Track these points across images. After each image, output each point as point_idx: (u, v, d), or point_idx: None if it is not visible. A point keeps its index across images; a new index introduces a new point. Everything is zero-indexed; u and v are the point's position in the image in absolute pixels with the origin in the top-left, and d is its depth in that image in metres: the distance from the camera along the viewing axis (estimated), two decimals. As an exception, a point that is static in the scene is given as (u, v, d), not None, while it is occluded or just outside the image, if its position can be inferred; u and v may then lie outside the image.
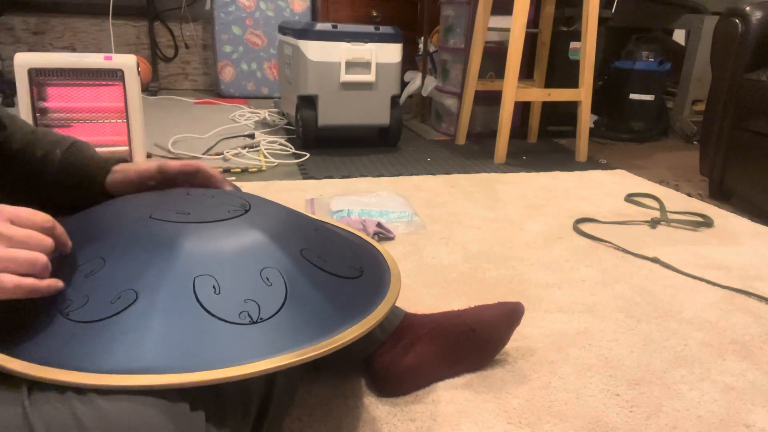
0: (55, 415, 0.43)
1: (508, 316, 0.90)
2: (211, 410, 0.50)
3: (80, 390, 0.44)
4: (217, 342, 0.49)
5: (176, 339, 0.48)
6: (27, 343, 0.48)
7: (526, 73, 2.67)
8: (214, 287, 0.53)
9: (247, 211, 0.63)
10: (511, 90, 2.18)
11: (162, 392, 0.45)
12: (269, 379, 0.61)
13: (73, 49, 3.51)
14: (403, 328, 0.86)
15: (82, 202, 0.69)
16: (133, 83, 1.70)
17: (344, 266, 0.64)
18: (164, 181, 0.72)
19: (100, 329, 0.48)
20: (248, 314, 0.52)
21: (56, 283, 0.49)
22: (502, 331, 0.91)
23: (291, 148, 2.25)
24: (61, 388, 0.44)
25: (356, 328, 0.55)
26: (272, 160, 2.09)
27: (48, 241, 0.49)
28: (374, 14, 3.33)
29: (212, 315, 0.51)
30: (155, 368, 0.46)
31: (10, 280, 0.45)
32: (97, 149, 0.75)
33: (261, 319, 0.52)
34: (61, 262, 0.54)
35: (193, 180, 0.73)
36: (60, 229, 0.52)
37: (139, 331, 0.48)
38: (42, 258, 0.48)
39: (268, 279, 0.55)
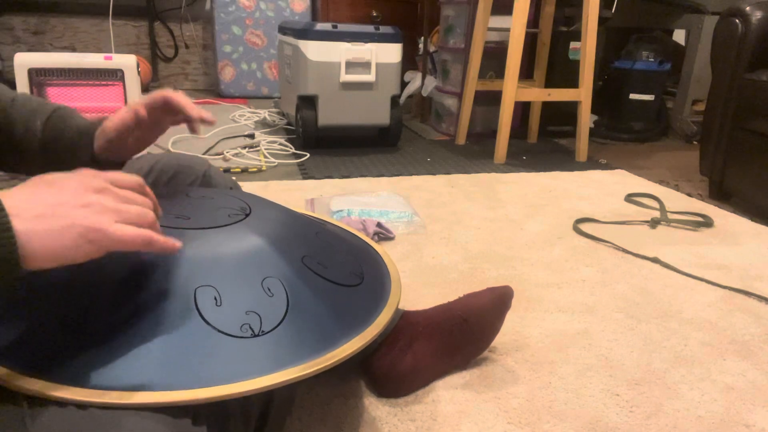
0: (56, 430, 0.42)
1: (497, 301, 0.90)
2: (213, 424, 0.49)
3: (81, 405, 0.43)
4: (218, 356, 0.48)
5: (177, 353, 0.48)
6: (26, 355, 0.47)
7: (526, 73, 2.67)
8: (215, 298, 0.52)
9: (247, 215, 0.62)
10: (511, 90, 2.18)
11: (164, 407, 0.45)
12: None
13: (73, 49, 3.51)
14: (399, 328, 0.86)
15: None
16: (133, 83, 1.70)
17: (345, 273, 0.64)
18: (145, 125, 0.68)
19: (101, 342, 0.47)
20: (250, 327, 0.51)
21: (174, 243, 0.47)
22: (494, 318, 0.90)
23: (291, 148, 2.25)
24: (62, 402, 0.43)
25: (357, 340, 0.55)
26: (272, 160, 2.09)
27: (150, 201, 0.49)
28: (374, 14, 3.33)
29: (213, 328, 0.50)
30: (157, 385, 0.45)
31: (127, 229, 0.43)
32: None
33: (263, 331, 0.51)
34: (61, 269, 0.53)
35: (169, 111, 0.67)
36: (150, 191, 0.51)
37: (140, 345, 0.48)
38: (151, 213, 0.47)
39: (269, 290, 0.55)
